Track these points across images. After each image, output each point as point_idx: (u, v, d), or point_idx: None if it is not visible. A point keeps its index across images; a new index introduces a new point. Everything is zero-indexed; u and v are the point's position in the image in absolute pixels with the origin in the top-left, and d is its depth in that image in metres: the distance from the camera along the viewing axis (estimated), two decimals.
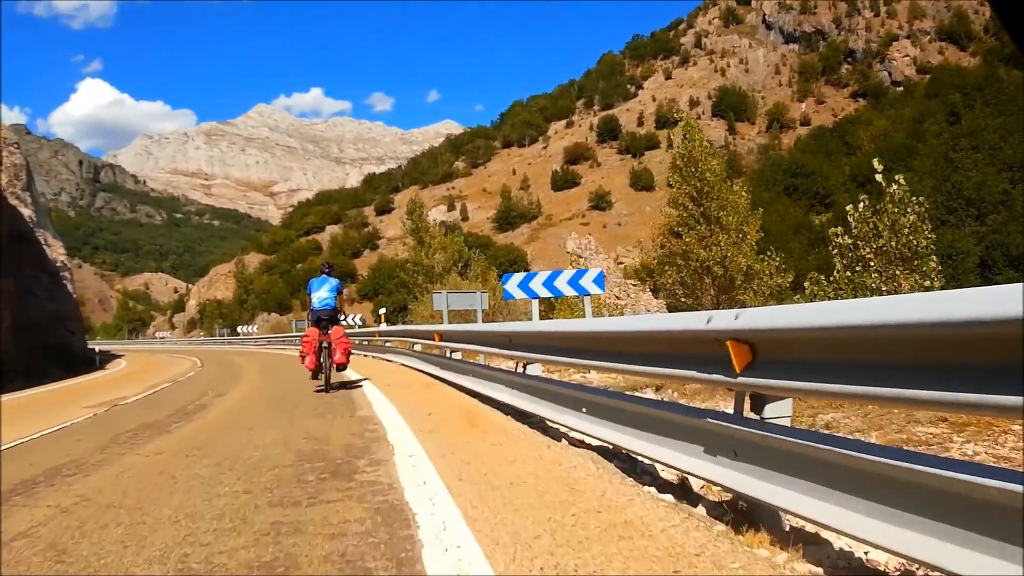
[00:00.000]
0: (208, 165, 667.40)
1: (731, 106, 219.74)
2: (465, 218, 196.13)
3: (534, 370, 10.16)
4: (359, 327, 37.89)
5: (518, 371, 10.80)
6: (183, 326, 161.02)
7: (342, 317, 16.80)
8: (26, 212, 40.86)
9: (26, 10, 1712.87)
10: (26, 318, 34.86)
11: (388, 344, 27.61)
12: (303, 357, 15.27)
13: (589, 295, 16.13)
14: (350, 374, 17.18)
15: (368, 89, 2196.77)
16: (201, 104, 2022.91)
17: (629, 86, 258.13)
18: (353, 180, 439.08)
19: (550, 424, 8.64)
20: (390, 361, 23.83)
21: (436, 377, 16.30)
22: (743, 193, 26.53)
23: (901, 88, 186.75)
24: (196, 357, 42.85)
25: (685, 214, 26.71)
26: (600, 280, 15.62)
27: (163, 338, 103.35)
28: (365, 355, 28.21)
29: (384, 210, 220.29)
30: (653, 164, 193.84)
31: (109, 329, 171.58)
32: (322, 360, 15.14)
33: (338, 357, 15.11)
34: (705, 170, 26.04)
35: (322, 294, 15.32)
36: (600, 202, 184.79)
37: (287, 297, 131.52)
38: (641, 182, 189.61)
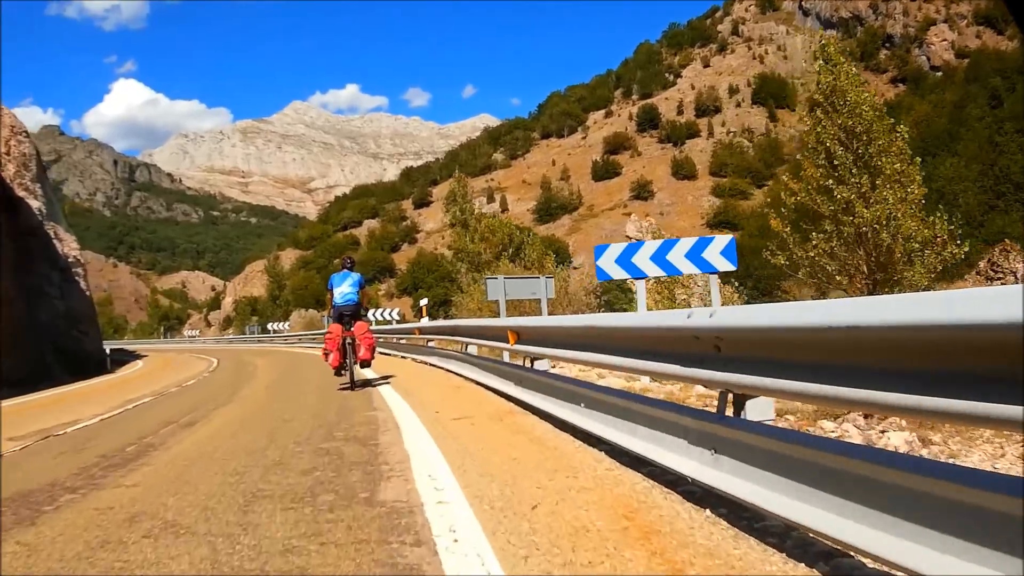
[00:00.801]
0: (244, 163, 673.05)
1: (771, 93, 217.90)
2: (505, 209, 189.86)
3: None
4: (396, 322, 33.94)
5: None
6: (219, 324, 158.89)
7: (364, 312, 16.91)
8: (35, 204, 37.52)
9: (57, 11, 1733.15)
10: (32, 319, 31.99)
11: (431, 344, 23.16)
12: (326, 354, 14.90)
13: (717, 272, 12.42)
14: (388, 397, 13.04)
15: (404, 85, 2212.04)
16: (236, 102, 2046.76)
17: (667, 75, 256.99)
18: (390, 175, 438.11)
19: None
20: (435, 367, 19.52)
21: (513, 400, 10.77)
22: (905, 133, 19.56)
23: (940, 73, 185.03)
24: (216, 357, 40.00)
25: (825, 167, 19.34)
26: (731, 252, 11.95)
27: (192, 337, 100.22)
28: (404, 357, 24.86)
29: (422, 203, 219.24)
30: (694, 153, 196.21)
31: (145, 328, 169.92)
32: (346, 358, 14.82)
33: (363, 353, 14.76)
34: (859, 103, 19.54)
35: (344, 289, 15.17)
36: (642, 192, 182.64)
37: (323, 293, 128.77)
38: (683, 171, 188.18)
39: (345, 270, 15.47)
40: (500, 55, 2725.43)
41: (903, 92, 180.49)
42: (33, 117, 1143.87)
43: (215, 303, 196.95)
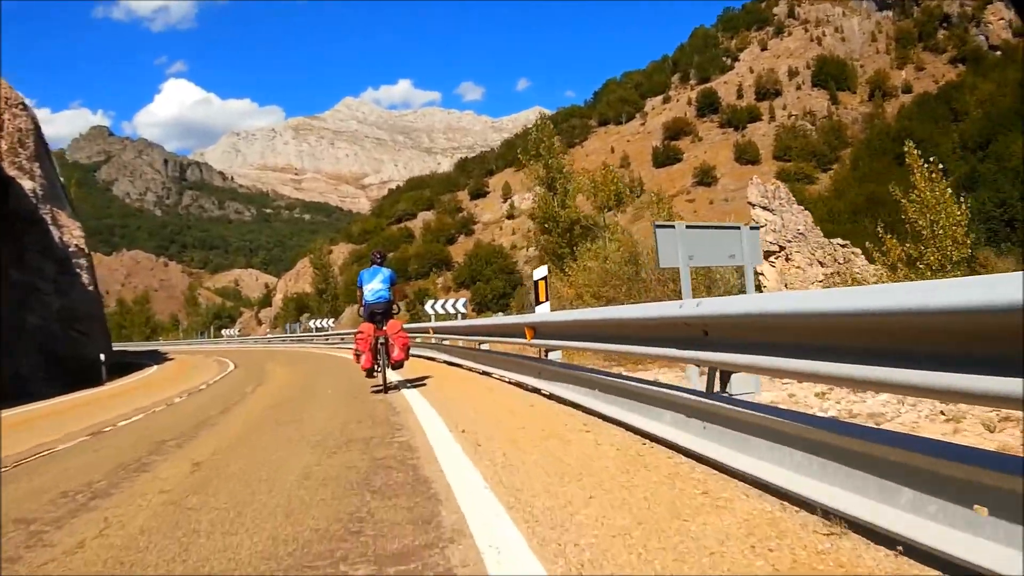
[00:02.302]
0: (297, 159, 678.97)
1: (831, 75, 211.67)
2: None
3: None
4: (461, 315, 26.57)
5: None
6: (269, 321, 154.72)
7: (397, 310, 15.23)
8: (28, 185, 31.82)
9: (104, 13, 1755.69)
10: (19, 320, 27.56)
11: (551, 361, 14.65)
12: (357, 356, 14.50)
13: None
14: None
15: (457, 79, 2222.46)
16: (289, 100, 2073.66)
17: (725, 58, 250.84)
18: (444, 170, 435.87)
19: None
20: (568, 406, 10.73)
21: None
22: None
23: (1000, 52, 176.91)
24: (236, 362, 36.35)
25: None
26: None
27: (230, 336, 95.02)
28: (484, 373, 17.82)
29: (478, 194, 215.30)
30: (756, 137, 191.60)
31: (196, 327, 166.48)
32: (378, 359, 14.18)
33: (396, 354, 14.22)
34: None
35: (375, 286, 14.59)
36: (705, 177, 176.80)
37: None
38: (746, 155, 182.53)
39: (375, 265, 14.98)
40: (553, 47, 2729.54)
41: (963, 72, 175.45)
42: (83, 119, 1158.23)
43: (265, 300, 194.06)
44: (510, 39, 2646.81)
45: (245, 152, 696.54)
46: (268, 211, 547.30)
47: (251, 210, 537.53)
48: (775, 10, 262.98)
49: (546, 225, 40.96)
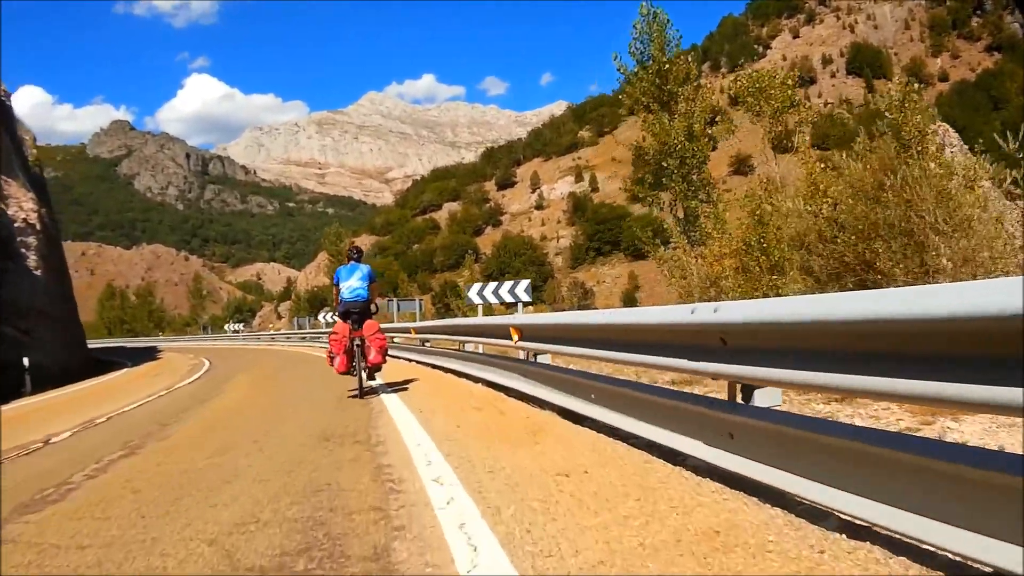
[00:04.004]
0: (321, 154, 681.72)
1: (866, 63, 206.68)
2: (595, 189, 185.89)
3: None
4: (523, 304, 17.33)
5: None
6: (288, 315, 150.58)
7: (375, 310, 14.19)
8: None
9: (125, 10, 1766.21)
10: None
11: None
12: (331, 358, 13.46)
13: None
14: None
15: (481, 74, 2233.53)
16: (312, 95, 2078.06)
17: (756, 46, 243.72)
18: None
19: None
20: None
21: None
22: None
23: None
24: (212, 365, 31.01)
25: None
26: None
27: (235, 331, 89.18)
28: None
29: (506, 184, 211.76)
30: (792, 125, 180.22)
31: (219, 321, 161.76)
32: (354, 362, 13.30)
33: (373, 357, 13.24)
34: None
35: (352, 283, 13.50)
36: (740, 166, 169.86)
37: (404, 281, 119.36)
38: (782, 144, 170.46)
39: (352, 262, 13.71)
40: (577, 41, 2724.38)
41: (1000, 60, 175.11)
42: (106, 114, 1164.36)
43: (286, 294, 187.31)
44: (534, 33, 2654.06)
45: (268, 147, 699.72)
46: (291, 205, 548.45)
47: (274, 204, 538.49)
48: None
49: (665, 164, 26.53)
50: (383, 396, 13.10)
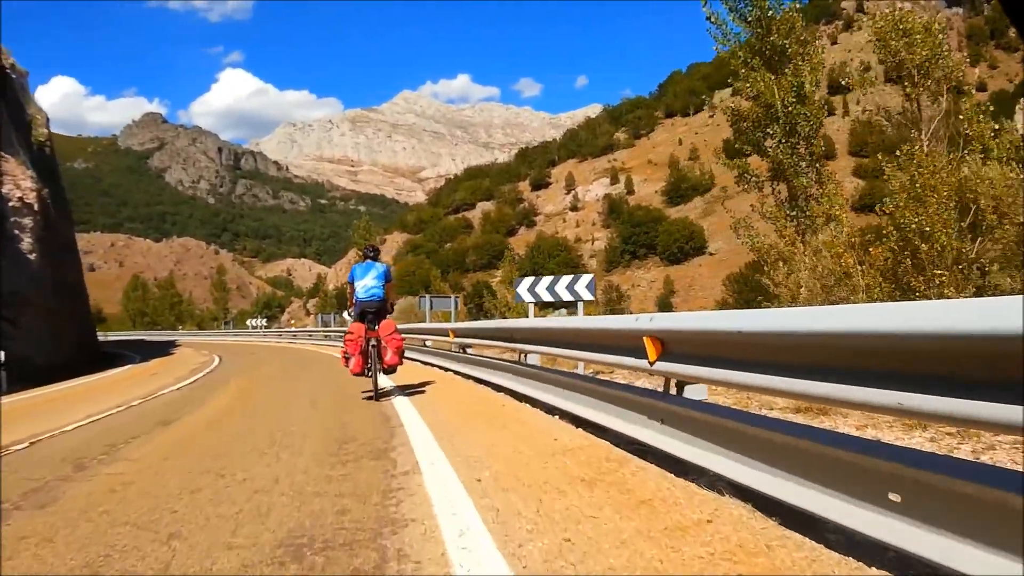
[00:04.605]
0: (354, 151, 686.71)
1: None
2: (631, 191, 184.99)
3: None
4: (585, 302, 13.92)
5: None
6: (316, 311, 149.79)
7: (391, 309, 13.69)
8: None
9: (159, 3, 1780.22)
10: None
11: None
12: (346, 359, 12.73)
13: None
14: None
15: (516, 75, 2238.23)
16: (346, 92, 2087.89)
17: None
18: None
19: None
20: None
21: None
22: None
23: None
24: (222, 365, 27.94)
25: None
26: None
27: (256, 328, 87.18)
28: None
29: (540, 184, 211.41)
30: (831, 131, 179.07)
31: (244, 315, 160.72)
32: (369, 363, 12.63)
33: (389, 358, 12.63)
34: None
35: (367, 282, 12.87)
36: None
37: (436, 278, 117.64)
38: (821, 150, 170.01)
39: (368, 260, 13.12)
40: (613, 45, 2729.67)
41: None
42: (138, 107, 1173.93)
43: (315, 290, 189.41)
44: (570, 35, 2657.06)
45: (301, 143, 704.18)
46: (323, 202, 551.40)
47: (306, 200, 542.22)
48: (843, 4, 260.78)
49: (768, 130, 21.96)
50: (424, 469, 7.15)
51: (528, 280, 16.20)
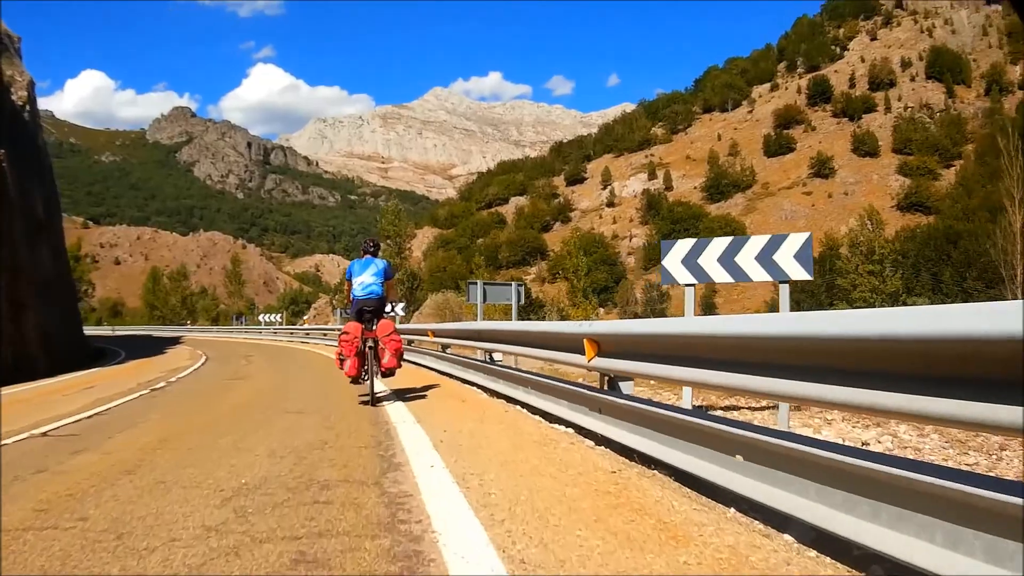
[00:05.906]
0: (385, 148, 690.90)
1: (946, 68, 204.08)
2: (669, 187, 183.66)
3: None
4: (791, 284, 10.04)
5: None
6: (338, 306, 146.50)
7: (390, 308, 13.14)
8: None
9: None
10: None
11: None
12: (341, 361, 11.99)
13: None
14: None
15: (548, 73, 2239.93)
16: (378, 89, 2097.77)
17: (833, 47, 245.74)
18: None
19: None
20: None
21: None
22: None
23: None
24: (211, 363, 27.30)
25: None
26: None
27: (267, 324, 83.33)
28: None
29: (575, 180, 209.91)
30: (873, 128, 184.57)
31: (272, 310, 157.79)
32: (366, 365, 12.03)
33: (387, 360, 11.82)
34: None
35: (365, 279, 12.11)
36: (822, 169, 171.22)
37: (466, 275, 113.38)
38: (864, 147, 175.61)
39: (367, 256, 12.37)
40: (644, 43, 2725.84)
41: None
42: (169, 101, 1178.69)
43: (340, 286, 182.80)
44: (602, 33, 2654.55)
45: (331, 139, 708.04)
46: (353, 198, 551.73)
47: (335, 196, 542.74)
48: (882, 0, 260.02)
49: None
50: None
51: (682, 246, 10.34)
